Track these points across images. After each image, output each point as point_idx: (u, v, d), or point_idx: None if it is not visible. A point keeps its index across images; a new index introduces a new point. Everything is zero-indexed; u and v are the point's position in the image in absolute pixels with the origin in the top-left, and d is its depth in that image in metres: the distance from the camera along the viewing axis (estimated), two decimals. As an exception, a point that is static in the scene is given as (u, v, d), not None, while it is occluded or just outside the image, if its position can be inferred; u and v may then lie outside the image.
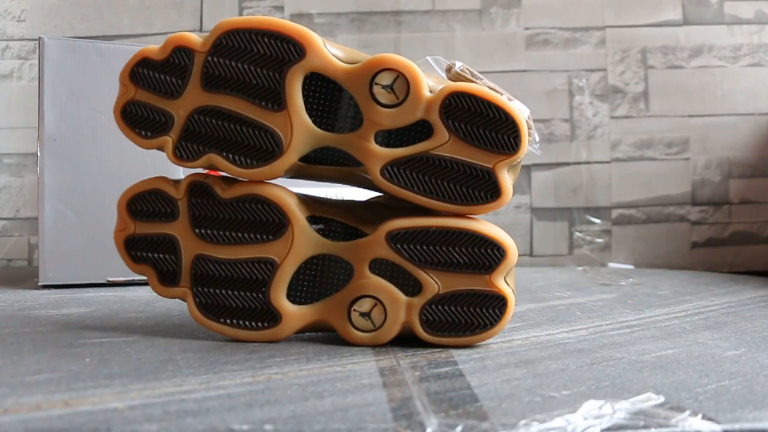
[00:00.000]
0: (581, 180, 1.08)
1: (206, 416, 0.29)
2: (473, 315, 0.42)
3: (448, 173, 0.42)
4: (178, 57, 0.43)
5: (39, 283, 0.73)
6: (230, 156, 0.43)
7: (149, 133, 0.44)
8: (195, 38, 0.43)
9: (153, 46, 0.43)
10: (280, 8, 1.07)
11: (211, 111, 0.43)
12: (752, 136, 1.08)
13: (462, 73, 0.46)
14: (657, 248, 1.07)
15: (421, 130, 0.42)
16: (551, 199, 1.08)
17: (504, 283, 0.42)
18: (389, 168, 0.42)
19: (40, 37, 0.75)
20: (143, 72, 0.43)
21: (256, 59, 0.42)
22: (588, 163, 1.08)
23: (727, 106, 1.08)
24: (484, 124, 0.41)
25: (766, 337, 0.48)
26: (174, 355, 0.40)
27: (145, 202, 0.44)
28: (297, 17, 1.07)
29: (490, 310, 0.42)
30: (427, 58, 0.47)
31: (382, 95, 0.42)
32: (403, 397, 0.32)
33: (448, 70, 0.47)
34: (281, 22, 0.42)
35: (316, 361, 0.39)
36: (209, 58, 0.42)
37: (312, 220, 0.44)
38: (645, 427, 0.29)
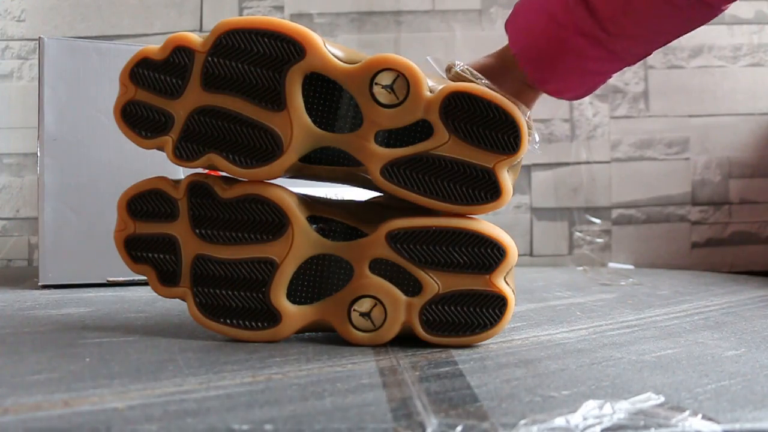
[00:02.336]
0: (581, 180, 1.08)
1: (206, 416, 0.29)
2: (473, 315, 0.42)
3: (448, 173, 0.42)
4: (178, 57, 0.43)
5: (39, 283, 0.73)
6: (230, 156, 0.43)
7: (149, 133, 0.44)
8: (195, 38, 0.43)
9: (153, 46, 0.43)
10: (280, 8, 1.07)
11: (211, 111, 0.43)
12: (752, 136, 1.08)
13: (462, 73, 0.46)
14: (657, 248, 1.07)
15: (421, 130, 0.42)
16: (551, 199, 1.08)
17: (504, 283, 0.42)
18: (389, 168, 0.42)
19: (40, 37, 0.75)
20: (143, 72, 0.43)
21: (256, 59, 0.42)
22: (588, 163, 1.08)
23: (727, 106, 1.08)
24: (484, 124, 0.41)
25: (766, 337, 0.48)
26: (174, 355, 0.40)
27: (145, 202, 0.44)
28: (297, 17, 1.07)
29: (490, 310, 0.42)
30: (427, 58, 0.47)
31: (382, 95, 0.42)
32: (403, 397, 0.32)
33: (448, 70, 0.47)
34: (281, 22, 0.42)
35: (316, 361, 0.39)
36: (209, 58, 0.42)
37: (312, 220, 0.44)
38: (645, 427, 0.29)
